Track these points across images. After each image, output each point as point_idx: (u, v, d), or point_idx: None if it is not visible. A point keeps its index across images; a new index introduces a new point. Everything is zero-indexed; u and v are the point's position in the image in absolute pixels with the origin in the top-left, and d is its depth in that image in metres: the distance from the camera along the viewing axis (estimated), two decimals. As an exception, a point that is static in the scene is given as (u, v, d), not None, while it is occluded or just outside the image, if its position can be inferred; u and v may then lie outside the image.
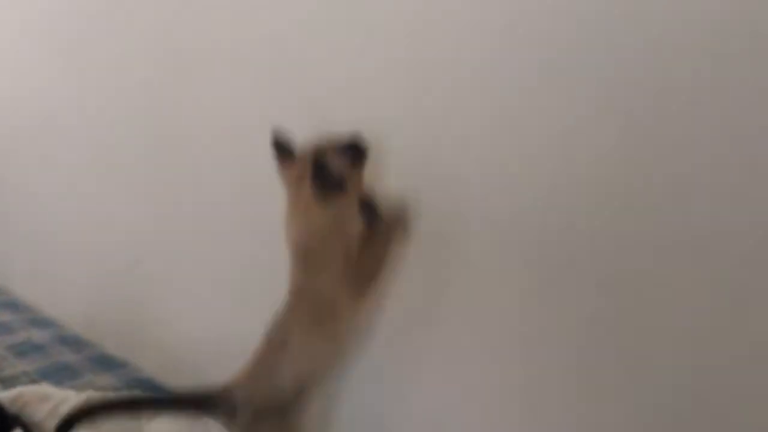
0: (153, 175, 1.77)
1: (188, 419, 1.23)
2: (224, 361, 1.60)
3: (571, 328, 1.12)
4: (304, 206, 1.19)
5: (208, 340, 1.61)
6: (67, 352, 1.72)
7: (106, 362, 1.71)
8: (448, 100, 1.24)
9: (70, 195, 1.99)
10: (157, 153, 1.75)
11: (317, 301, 1.20)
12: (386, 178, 1.29)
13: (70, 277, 1.97)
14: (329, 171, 1.16)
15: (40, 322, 1.90)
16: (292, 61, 1.45)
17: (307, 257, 1.21)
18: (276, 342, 1.21)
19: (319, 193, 1.16)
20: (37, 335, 1.78)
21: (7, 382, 1.47)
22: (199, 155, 1.65)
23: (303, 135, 1.24)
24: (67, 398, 1.33)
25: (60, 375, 1.56)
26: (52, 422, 1.26)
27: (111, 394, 1.38)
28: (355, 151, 1.18)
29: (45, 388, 1.38)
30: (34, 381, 1.50)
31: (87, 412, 1.21)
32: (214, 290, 1.61)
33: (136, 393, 1.49)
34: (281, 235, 1.23)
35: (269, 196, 1.26)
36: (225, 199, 1.59)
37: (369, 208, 1.24)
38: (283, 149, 1.24)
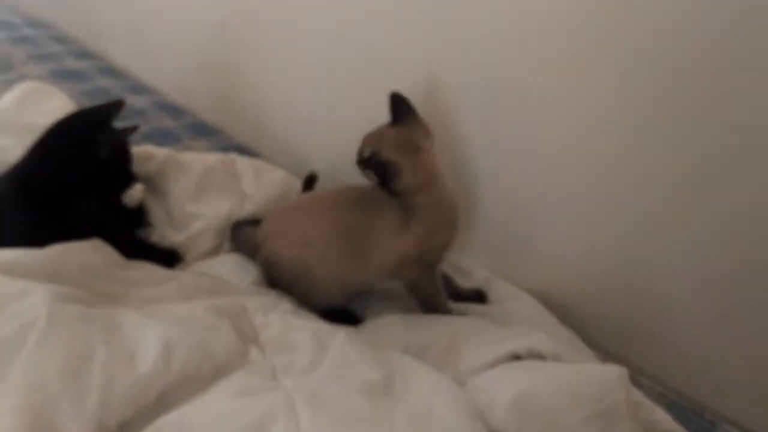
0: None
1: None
2: (312, 136, 1.67)
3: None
4: None
5: (301, 119, 1.66)
6: (166, 118, 1.83)
7: (201, 129, 1.81)
8: None
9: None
10: None
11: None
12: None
13: (164, 42, 2.00)
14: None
15: (138, 88, 2.00)
16: None
17: None
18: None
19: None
20: (138, 101, 1.88)
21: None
22: None
23: None
24: (170, 155, 1.43)
25: (161, 139, 1.67)
26: (161, 177, 1.39)
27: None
28: None
29: (149, 148, 1.48)
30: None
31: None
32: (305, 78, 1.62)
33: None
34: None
35: None
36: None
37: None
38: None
